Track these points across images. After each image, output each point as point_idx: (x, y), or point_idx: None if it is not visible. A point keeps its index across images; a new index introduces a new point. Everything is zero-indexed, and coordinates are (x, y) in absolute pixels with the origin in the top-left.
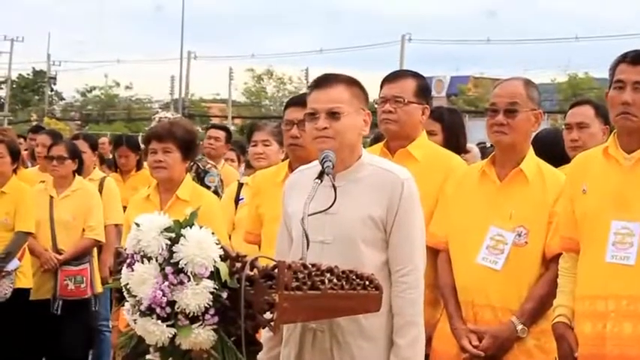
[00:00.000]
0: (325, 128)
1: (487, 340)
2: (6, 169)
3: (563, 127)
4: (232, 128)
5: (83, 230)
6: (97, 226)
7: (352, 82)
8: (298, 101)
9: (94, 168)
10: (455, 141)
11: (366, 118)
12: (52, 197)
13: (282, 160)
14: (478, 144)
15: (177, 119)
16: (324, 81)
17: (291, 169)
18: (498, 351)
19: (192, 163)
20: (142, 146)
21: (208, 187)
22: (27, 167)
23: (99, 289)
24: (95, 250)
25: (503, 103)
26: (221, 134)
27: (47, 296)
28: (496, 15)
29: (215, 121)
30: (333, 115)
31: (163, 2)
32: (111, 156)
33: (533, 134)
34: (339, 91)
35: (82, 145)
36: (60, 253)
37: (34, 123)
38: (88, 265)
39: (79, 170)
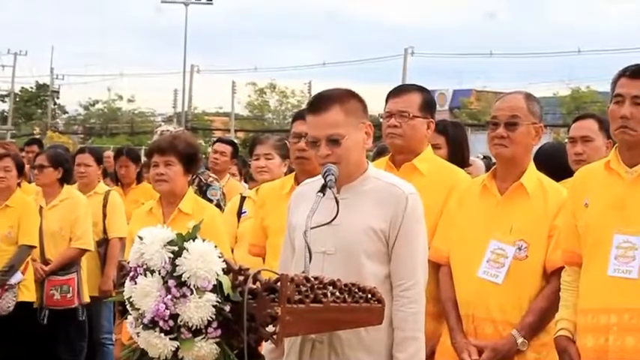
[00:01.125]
0: (328, 155)
1: (487, 354)
2: (12, 182)
3: (567, 140)
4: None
5: (70, 240)
6: (83, 235)
7: (346, 98)
8: (305, 116)
9: (99, 181)
10: (459, 154)
11: (368, 130)
12: (41, 207)
13: (285, 174)
14: (483, 157)
15: (180, 132)
16: (318, 106)
17: (297, 181)
18: None
19: (194, 177)
20: (144, 159)
21: (210, 201)
22: (30, 181)
23: (86, 298)
24: (84, 259)
25: (504, 117)
26: (227, 149)
27: (35, 306)
28: (499, 28)
29: (218, 134)
30: (334, 141)
31: (166, 16)
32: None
33: (535, 148)
34: (334, 113)
35: (88, 159)
36: (48, 264)
37: (37, 137)
38: (75, 274)
39: (67, 180)
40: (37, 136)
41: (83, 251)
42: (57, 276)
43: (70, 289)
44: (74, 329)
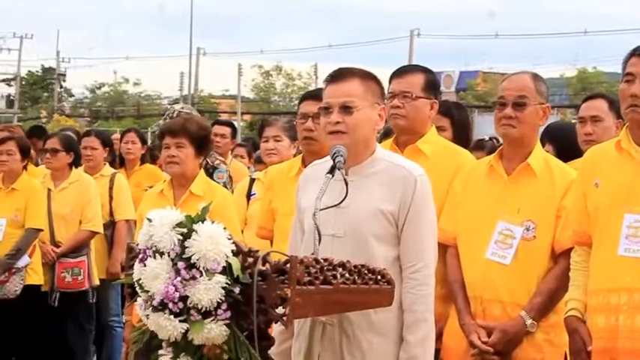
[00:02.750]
0: (338, 122)
1: (496, 335)
2: (16, 166)
3: (576, 120)
4: (241, 124)
5: (80, 222)
6: (94, 218)
7: (367, 77)
8: (313, 95)
9: (105, 164)
10: (464, 136)
11: (382, 113)
12: (49, 190)
13: (294, 156)
14: (489, 139)
15: (191, 115)
16: (339, 75)
17: (305, 163)
18: (507, 346)
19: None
20: (150, 142)
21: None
22: (37, 164)
23: (96, 281)
24: (92, 242)
25: (512, 97)
26: (226, 130)
27: (45, 289)
28: (504, 10)
29: (224, 117)
30: (347, 109)
31: None
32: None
33: (541, 128)
34: (353, 85)
35: (94, 142)
36: (58, 246)
37: (44, 120)
38: (85, 257)
39: (77, 163)
40: (42, 123)
41: (93, 234)
42: (68, 258)
43: (82, 271)
44: (83, 312)
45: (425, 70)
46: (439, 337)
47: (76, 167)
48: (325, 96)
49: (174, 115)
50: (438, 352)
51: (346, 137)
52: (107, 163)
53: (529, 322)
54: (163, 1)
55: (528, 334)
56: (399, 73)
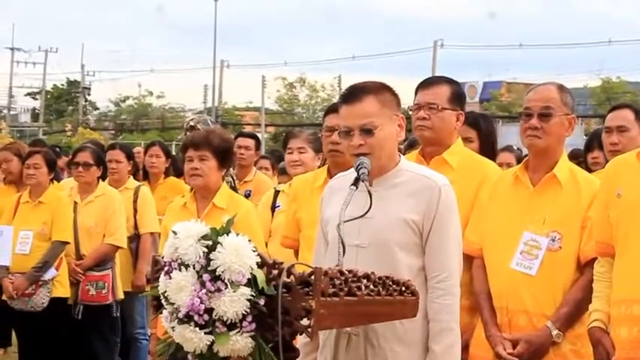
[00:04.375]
0: (361, 145)
1: (522, 346)
2: (43, 179)
3: (603, 130)
4: (265, 136)
5: (104, 236)
6: (116, 231)
7: (381, 90)
8: (338, 108)
9: (129, 177)
10: (490, 147)
11: (401, 123)
12: (76, 203)
13: (319, 167)
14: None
15: (214, 127)
16: (352, 95)
17: (330, 174)
18: (533, 356)
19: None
20: (174, 154)
21: None
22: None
23: (120, 295)
24: (117, 255)
25: (537, 107)
26: (250, 143)
27: (70, 302)
28: (528, 19)
29: (248, 129)
30: (367, 131)
31: (196, 11)
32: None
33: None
34: (368, 103)
35: (118, 155)
36: (82, 259)
37: (69, 133)
38: (110, 271)
39: (104, 176)
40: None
41: (116, 248)
42: (92, 272)
43: (106, 285)
44: (107, 325)
45: (451, 82)
46: (465, 348)
47: (103, 180)
48: (342, 118)
49: (188, 127)
50: None
51: (370, 157)
52: (132, 176)
53: (555, 332)
54: (189, 12)
55: (554, 344)
56: (424, 85)
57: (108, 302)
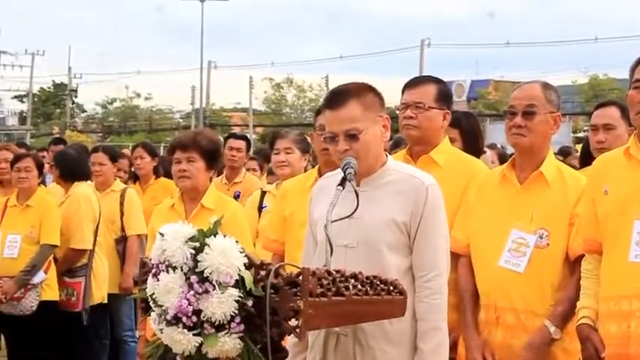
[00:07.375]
0: (346, 150)
1: (524, 354)
2: (34, 182)
3: (589, 128)
4: (254, 137)
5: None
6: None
7: (364, 92)
8: (322, 110)
9: (115, 179)
10: (474, 145)
11: (385, 123)
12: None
13: (305, 168)
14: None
15: (201, 129)
16: (335, 100)
17: (321, 174)
18: (538, 357)
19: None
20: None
21: None
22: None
23: (97, 301)
24: (104, 257)
25: (522, 106)
26: (242, 144)
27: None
28: (515, 18)
29: (236, 130)
30: (352, 136)
31: (182, 12)
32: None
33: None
34: (352, 108)
35: (102, 158)
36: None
37: (56, 136)
38: (82, 279)
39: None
40: (58, 135)
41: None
42: (65, 277)
43: (75, 292)
44: (76, 332)
45: (437, 81)
46: (454, 346)
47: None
48: (327, 123)
49: None
50: None
51: (357, 161)
52: (117, 179)
53: (553, 329)
54: (175, 13)
55: (553, 341)
56: (411, 84)
57: (77, 310)
